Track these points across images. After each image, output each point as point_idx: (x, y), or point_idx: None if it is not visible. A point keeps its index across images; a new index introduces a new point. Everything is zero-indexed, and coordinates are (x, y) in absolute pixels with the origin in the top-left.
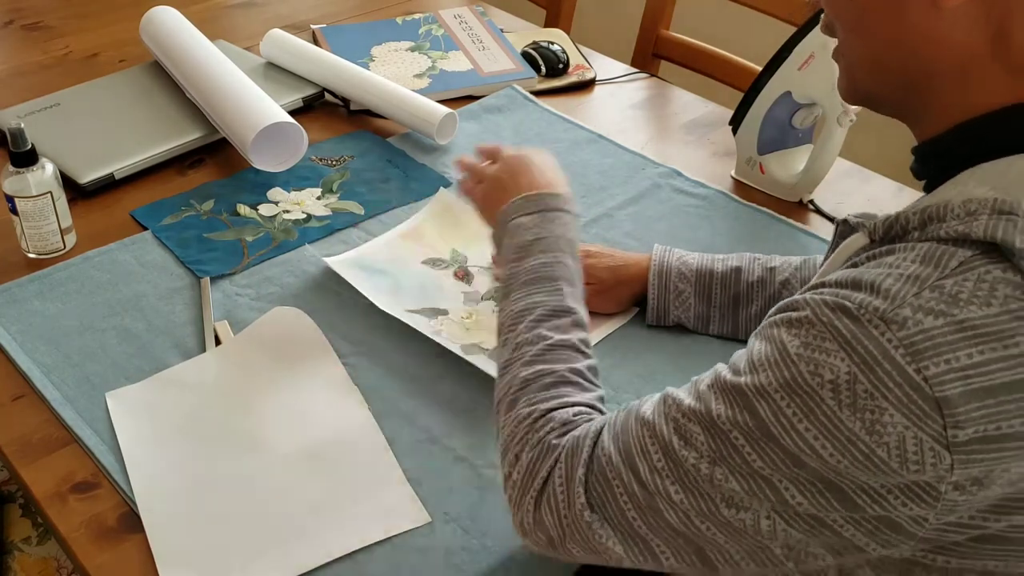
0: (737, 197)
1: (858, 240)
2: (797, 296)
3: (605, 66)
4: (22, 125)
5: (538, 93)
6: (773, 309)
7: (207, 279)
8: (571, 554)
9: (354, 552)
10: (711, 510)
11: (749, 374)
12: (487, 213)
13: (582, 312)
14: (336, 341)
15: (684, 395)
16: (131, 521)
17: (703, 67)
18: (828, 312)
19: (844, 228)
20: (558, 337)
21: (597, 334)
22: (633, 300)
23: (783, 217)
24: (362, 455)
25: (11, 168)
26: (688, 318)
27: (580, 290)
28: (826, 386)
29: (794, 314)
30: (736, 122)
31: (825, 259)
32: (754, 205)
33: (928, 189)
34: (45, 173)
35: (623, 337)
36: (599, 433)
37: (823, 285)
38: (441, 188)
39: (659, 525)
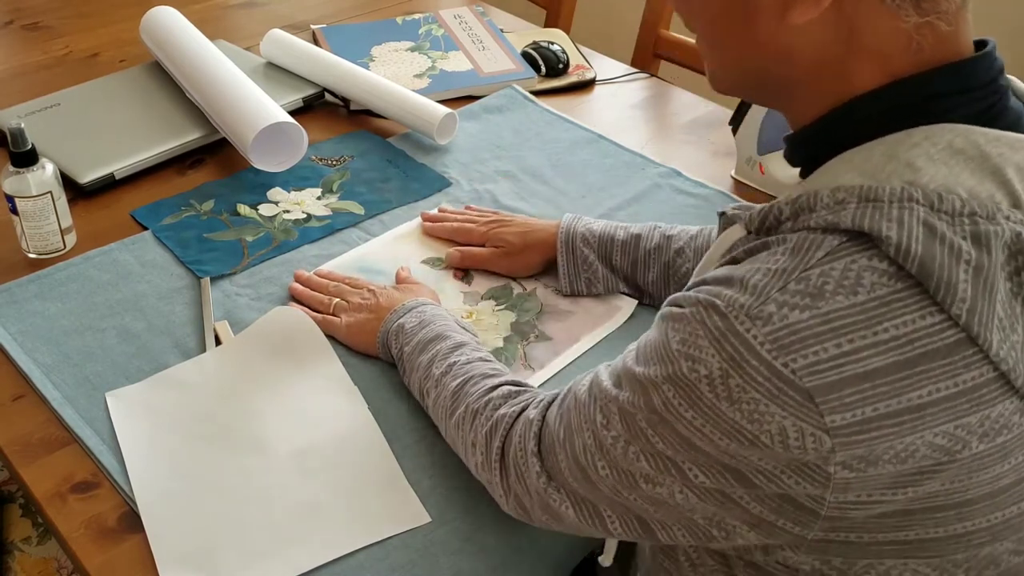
0: (737, 197)
1: (736, 232)
2: (682, 293)
3: (605, 66)
4: (22, 125)
5: (538, 93)
6: (667, 299)
7: (207, 279)
8: (544, 523)
9: (354, 552)
10: (632, 484)
11: (644, 365)
12: (356, 343)
13: (476, 341)
14: (336, 341)
15: (606, 376)
16: (131, 521)
17: (703, 67)
18: (701, 310)
19: (724, 220)
20: (466, 357)
21: (597, 334)
22: (543, 264)
23: None
24: (362, 455)
25: (11, 168)
26: (597, 279)
27: (469, 334)
28: (703, 381)
29: (676, 310)
30: (736, 122)
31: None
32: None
33: (803, 176)
34: (45, 173)
35: (623, 337)
36: (547, 408)
37: (704, 283)
38: (443, 203)
39: (597, 496)
